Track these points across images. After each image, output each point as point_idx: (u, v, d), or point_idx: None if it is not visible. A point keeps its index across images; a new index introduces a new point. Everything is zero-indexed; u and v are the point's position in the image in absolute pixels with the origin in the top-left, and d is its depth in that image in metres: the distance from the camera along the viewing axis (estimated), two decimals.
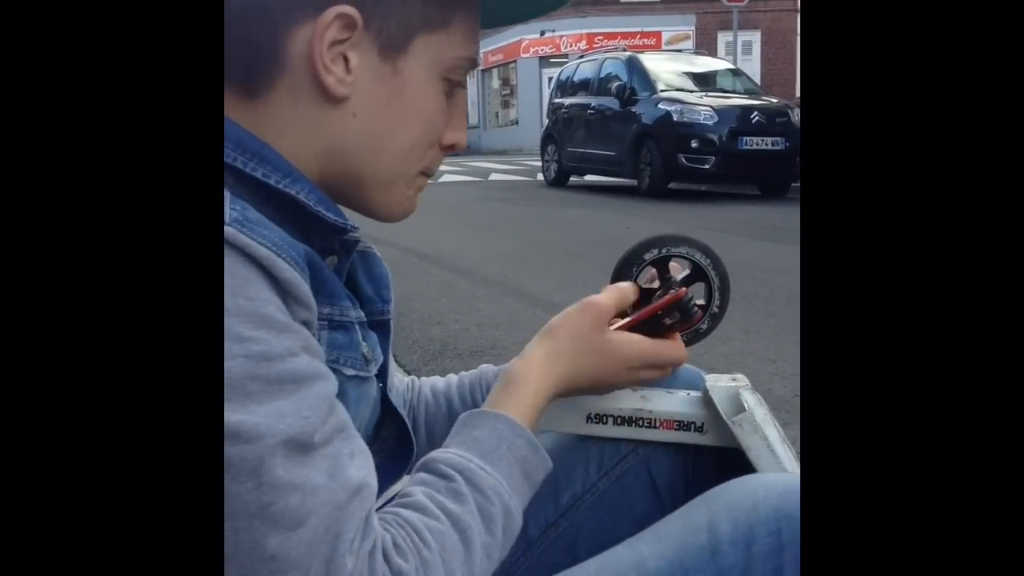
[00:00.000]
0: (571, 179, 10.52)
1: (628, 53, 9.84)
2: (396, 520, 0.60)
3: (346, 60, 0.63)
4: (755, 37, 20.25)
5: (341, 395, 0.64)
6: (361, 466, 0.58)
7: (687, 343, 0.79)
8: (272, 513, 0.52)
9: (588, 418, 0.82)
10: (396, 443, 0.78)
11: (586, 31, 20.13)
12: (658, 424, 0.80)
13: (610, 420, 0.82)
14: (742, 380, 0.80)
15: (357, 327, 0.67)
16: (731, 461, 0.78)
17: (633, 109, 8.78)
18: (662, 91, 8.72)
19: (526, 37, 21.47)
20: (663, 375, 0.78)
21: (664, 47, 18.23)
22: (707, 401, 0.79)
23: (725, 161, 7.97)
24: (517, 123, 22.41)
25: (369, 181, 0.68)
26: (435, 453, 0.66)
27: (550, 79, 13.75)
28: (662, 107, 8.36)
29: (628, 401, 0.81)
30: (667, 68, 9.38)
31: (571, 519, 0.85)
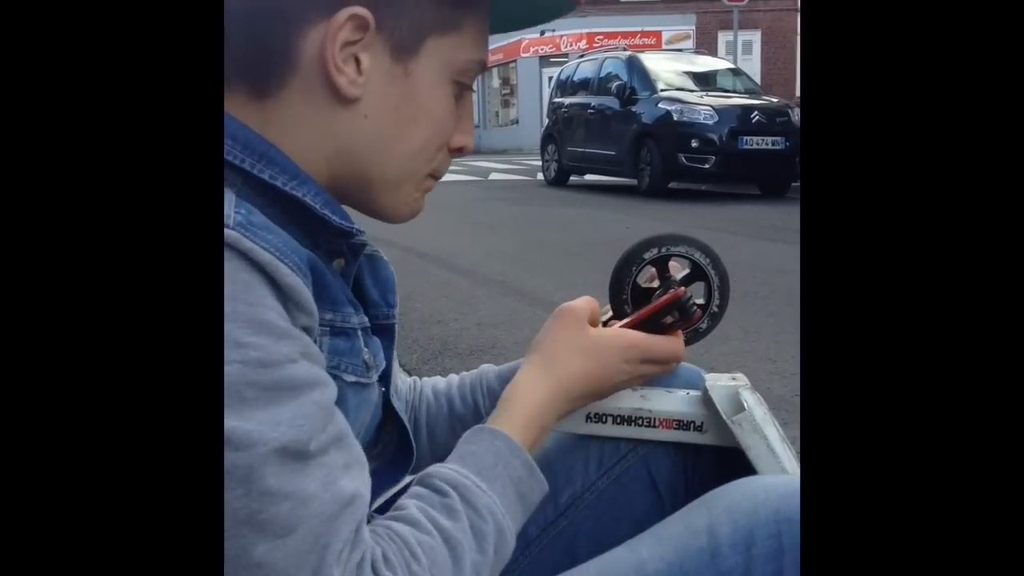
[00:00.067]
0: (571, 178, 10.52)
1: (628, 53, 9.84)
2: (388, 533, 0.59)
3: (357, 61, 0.63)
4: (755, 37, 20.25)
5: (341, 401, 0.64)
6: (355, 477, 0.58)
7: (687, 342, 0.79)
8: (260, 521, 0.52)
9: (588, 417, 0.82)
10: (397, 447, 0.78)
11: (586, 30, 20.12)
12: (658, 423, 0.80)
13: (609, 419, 0.82)
14: (742, 379, 0.80)
15: (359, 333, 0.67)
16: (731, 461, 0.78)
17: (633, 109, 8.78)
18: (662, 91, 8.72)
19: (526, 36, 21.45)
20: (664, 370, 0.78)
21: (664, 47, 18.21)
22: (707, 400, 0.79)
23: (725, 161, 7.97)
24: (517, 123, 22.41)
25: (378, 182, 0.68)
26: (433, 467, 0.65)
27: (550, 79, 13.74)
28: (662, 107, 8.36)
29: (628, 400, 0.81)
30: (667, 68, 9.38)
31: (570, 518, 0.85)
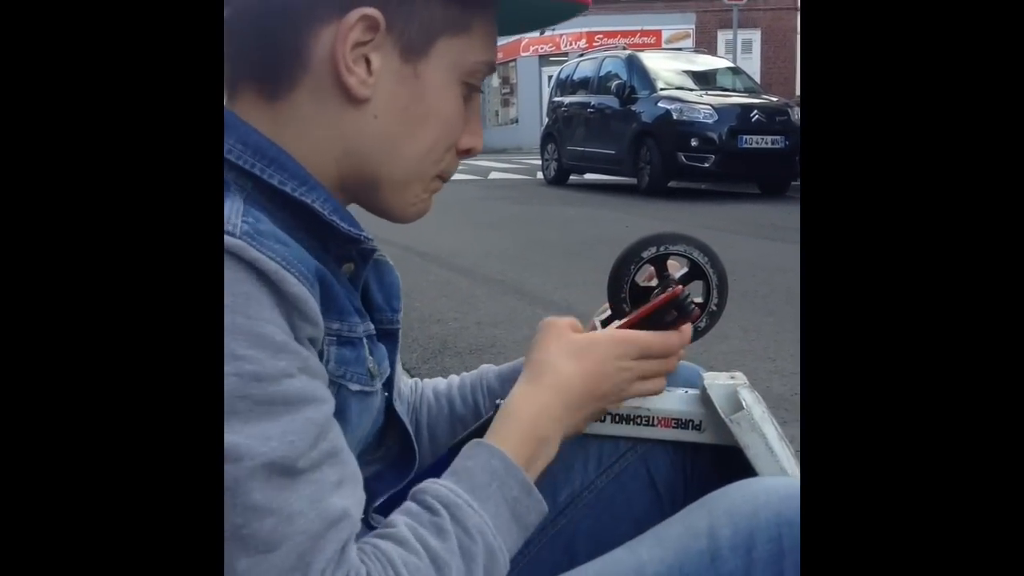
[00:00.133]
0: (571, 177, 10.51)
1: (628, 51, 9.83)
2: (374, 552, 0.59)
3: (368, 62, 0.63)
4: (755, 36, 20.22)
5: (344, 410, 0.64)
6: (346, 495, 0.58)
7: None
8: (243, 535, 0.52)
9: None
10: (399, 451, 0.78)
11: (586, 29, 20.10)
12: (656, 422, 0.80)
13: (608, 418, 0.82)
14: (740, 378, 0.80)
15: (364, 341, 0.67)
16: (729, 459, 0.78)
17: (633, 108, 8.77)
18: (662, 89, 8.72)
19: (526, 35, 21.43)
20: (667, 367, 0.77)
21: (664, 46, 18.21)
22: (705, 399, 0.79)
23: (725, 159, 7.97)
24: (517, 121, 22.39)
25: (386, 182, 0.68)
26: (426, 483, 0.65)
27: (550, 77, 13.72)
28: (662, 105, 8.36)
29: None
30: (667, 66, 9.37)
31: (570, 517, 0.86)
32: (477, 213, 6.92)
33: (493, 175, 12.10)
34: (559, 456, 0.71)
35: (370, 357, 0.68)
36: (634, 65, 9.20)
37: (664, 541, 0.68)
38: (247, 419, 0.52)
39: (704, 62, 10.12)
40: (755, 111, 8.19)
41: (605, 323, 0.83)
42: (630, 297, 0.80)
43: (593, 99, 9.64)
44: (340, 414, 0.64)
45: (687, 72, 9.35)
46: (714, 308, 0.81)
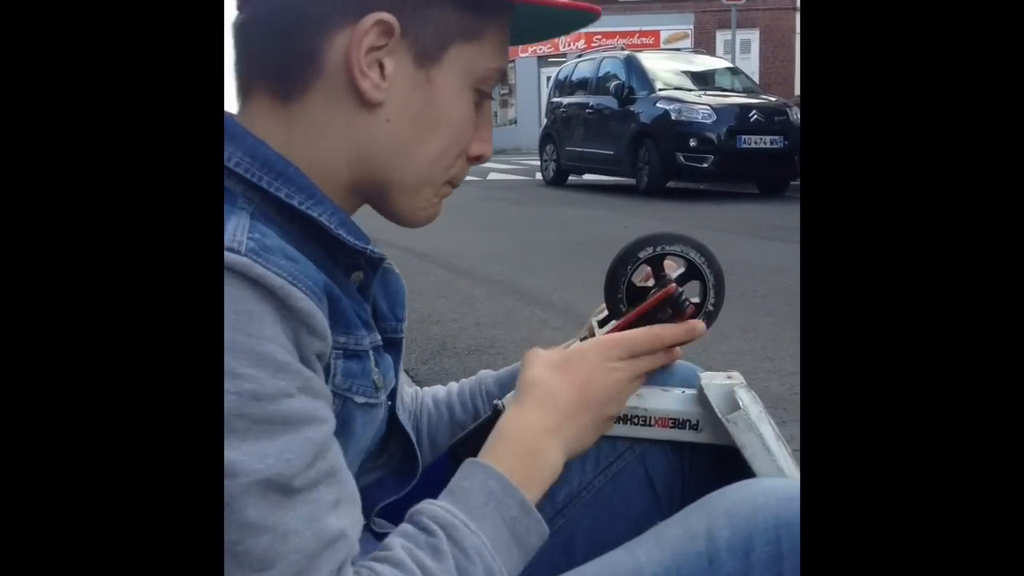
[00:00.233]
0: (570, 178, 10.51)
1: (626, 52, 9.84)
2: (371, 575, 0.58)
3: (381, 67, 0.63)
4: (753, 36, 20.23)
5: (348, 422, 0.64)
6: (343, 515, 0.58)
7: None
8: (238, 552, 0.52)
9: None
10: (402, 458, 0.78)
11: (584, 30, 20.12)
12: (653, 422, 0.80)
13: None
14: (737, 378, 0.80)
15: (371, 354, 0.67)
16: (727, 459, 0.78)
17: (631, 108, 8.77)
18: (660, 90, 8.72)
19: None
20: (661, 361, 0.76)
21: (662, 46, 18.22)
22: (702, 399, 0.79)
23: (723, 160, 7.97)
24: (515, 122, 22.38)
25: (397, 186, 0.68)
26: (423, 504, 0.64)
27: (548, 78, 13.72)
28: (660, 106, 8.36)
29: None
30: (665, 67, 9.37)
31: (568, 517, 0.86)
32: (476, 214, 6.92)
33: (492, 176, 12.10)
34: None
35: (376, 369, 0.68)
36: (633, 65, 9.20)
37: (662, 542, 0.68)
38: (244, 437, 0.52)
39: (703, 62, 10.12)
40: (754, 111, 8.20)
41: (602, 323, 0.83)
42: (627, 297, 0.80)
43: (592, 100, 9.64)
44: (345, 426, 0.64)
45: (686, 72, 9.36)
46: (711, 308, 0.81)
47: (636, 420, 0.81)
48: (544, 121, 11.37)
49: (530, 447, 0.68)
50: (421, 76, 0.65)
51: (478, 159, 0.72)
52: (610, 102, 9.15)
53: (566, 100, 10.34)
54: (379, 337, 0.70)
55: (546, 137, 10.76)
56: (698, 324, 0.76)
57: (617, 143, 8.84)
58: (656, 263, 0.80)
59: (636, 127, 8.57)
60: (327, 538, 0.55)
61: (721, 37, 19.28)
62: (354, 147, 0.66)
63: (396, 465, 0.78)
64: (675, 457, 0.86)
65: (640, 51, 10.73)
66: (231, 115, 0.65)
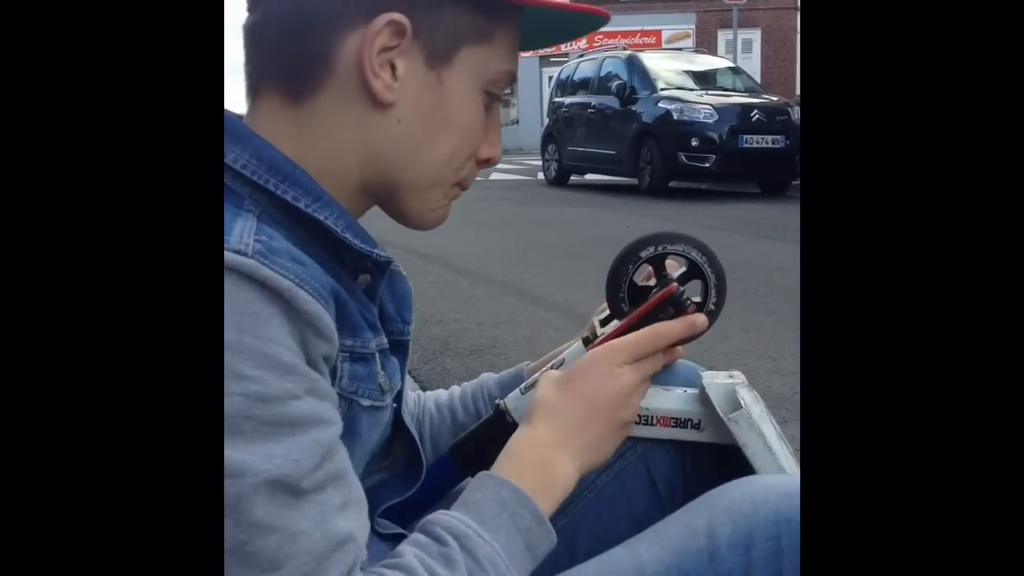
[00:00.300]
0: (571, 178, 10.51)
1: (628, 52, 9.84)
2: None
3: (393, 67, 0.64)
4: (755, 35, 20.21)
5: (354, 425, 0.64)
6: (351, 517, 0.58)
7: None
8: (247, 552, 0.52)
9: None
10: (407, 461, 0.78)
11: None
12: (655, 421, 0.80)
13: None
14: (739, 377, 0.81)
15: (377, 356, 0.67)
16: (729, 458, 0.78)
17: (633, 108, 8.77)
18: (662, 90, 8.72)
19: None
20: (669, 357, 0.76)
21: (664, 46, 18.21)
22: (704, 398, 0.80)
23: (725, 159, 7.97)
24: (517, 122, 22.37)
25: (407, 187, 0.68)
26: (435, 514, 0.64)
27: (550, 78, 13.73)
28: (662, 106, 8.36)
29: None
30: (667, 67, 9.37)
31: (570, 516, 0.86)
32: (478, 214, 6.91)
33: (494, 176, 12.09)
34: None
35: (382, 372, 0.68)
36: (634, 65, 9.20)
37: (663, 540, 0.68)
38: (252, 439, 0.52)
39: (704, 62, 10.13)
40: (755, 111, 8.19)
41: (604, 323, 0.84)
42: (628, 297, 0.80)
43: (593, 99, 9.64)
44: (350, 429, 0.64)
45: (687, 72, 9.36)
46: (712, 307, 0.81)
47: (638, 419, 0.81)
48: (546, 121, 11.37)
49: (540, 461, 0.69)
50: (432, 77, 0.65)
51: (487, 162, 0.72)
52: (612, 102, 9.15)
53: (568, 100, 10.34)
54: (385, 340, 0.70)
55: (548, 137, 10.76)
56: (699, 317, 0.77)
57: (619, 143, 8.84)
58: (658, 262, 0.81)
59: (638, 127, 8.57)
60: (336, 540, 0.55)
61: (723, 37, 19.26)
62: (365, 147, 0.66)
63: (401, 467, 0.78)
64: (677, 456, 0.86)
65: (642, 51, 10.74)
66: (238, 117, 0.65)
